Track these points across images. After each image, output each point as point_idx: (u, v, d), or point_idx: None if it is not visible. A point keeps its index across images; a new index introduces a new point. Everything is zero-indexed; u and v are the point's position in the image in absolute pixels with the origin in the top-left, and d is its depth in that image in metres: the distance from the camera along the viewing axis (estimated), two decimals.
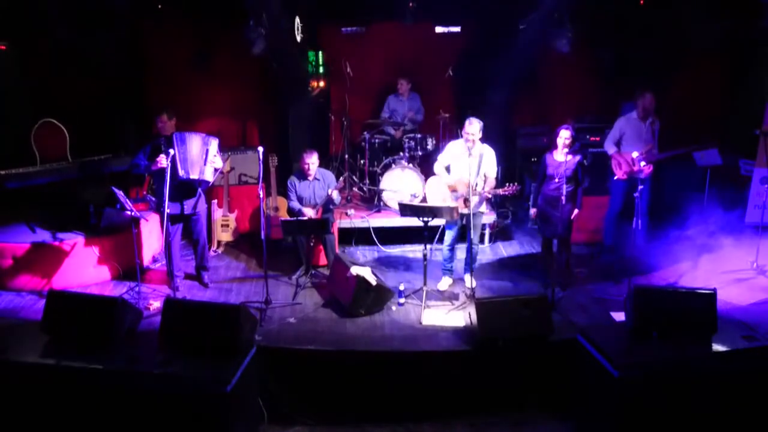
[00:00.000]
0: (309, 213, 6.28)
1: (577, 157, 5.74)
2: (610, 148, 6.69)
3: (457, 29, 8.42)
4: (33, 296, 5.85)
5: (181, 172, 5.64)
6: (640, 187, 5.42)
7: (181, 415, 4.20)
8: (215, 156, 5.86)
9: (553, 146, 5.85)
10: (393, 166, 7.55)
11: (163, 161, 5.48)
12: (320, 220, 6.16)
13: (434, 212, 5.60)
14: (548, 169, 5.84)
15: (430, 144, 7.77)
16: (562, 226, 5.76)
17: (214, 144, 5.86)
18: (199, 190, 5.97)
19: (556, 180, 5.65)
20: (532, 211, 6.09)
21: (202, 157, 5.77)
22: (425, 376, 4.92)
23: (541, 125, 8.62)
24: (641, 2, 7.63)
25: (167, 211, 5.48)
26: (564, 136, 5.68)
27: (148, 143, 5.79)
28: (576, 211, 5.84)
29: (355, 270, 5.48)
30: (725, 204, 6.84)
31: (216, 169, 5.93)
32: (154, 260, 6.84)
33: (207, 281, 6.21)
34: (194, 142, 5.75)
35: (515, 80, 8.08)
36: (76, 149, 6.77)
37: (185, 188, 5.81)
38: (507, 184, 5.73)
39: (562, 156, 5.67)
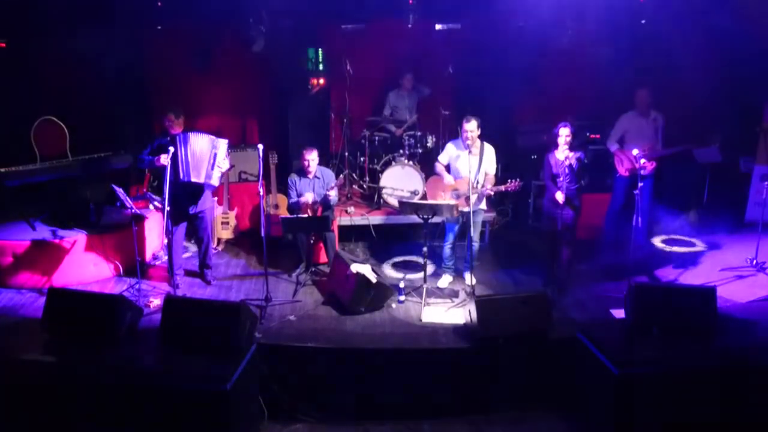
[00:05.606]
0: (308, 198, 6.24)
1: (579, 154, 5.72)
2: (612, 146, 6.69)
3: (457, 26, 8.40)
4: (33, 294, 5.85)
5: (181, 174, 5.59)
6: (640, 184, 5.42)
7: (181, 413, 4.20)
8: (224, 159, 5.73)
9: (553, 145, 5.82)
10: (393, 163, 7.55)
11: (162, 159, 5.47)
12: (320, 218, 6.16)
13: (434, 209, 5.60)
14: (552, 168, 5.81)
15: (430, 141, 7.78)
16: (566, 225, 5.73)
17: (222, 147, 5.71)
18: (206, 188, 5.92)
19: (561, 179, 5.63)
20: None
21: (207, 160, 5.65)
22: (425, 373, 4.92)
23: (541, 122, 8.59)
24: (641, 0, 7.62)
25: (167, 208, 5.46)
26: (564, 133, 5.66)
27: (156, 139, 5.73)
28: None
29: (355, 267, 5.48)
30: (725, 201, 6.84)
31: (222, 173, 5.84)
32: (155, 258, 6.85)
33: (210, 279, 6.21)
34: (199, 145, 5.63)
35: (515, 77, 8.05)
36: (77, 147, 6.76)
37: (190, 188, 5.76)
38: (509, 181, 5.71)
39: (562, 154, 5.65)
